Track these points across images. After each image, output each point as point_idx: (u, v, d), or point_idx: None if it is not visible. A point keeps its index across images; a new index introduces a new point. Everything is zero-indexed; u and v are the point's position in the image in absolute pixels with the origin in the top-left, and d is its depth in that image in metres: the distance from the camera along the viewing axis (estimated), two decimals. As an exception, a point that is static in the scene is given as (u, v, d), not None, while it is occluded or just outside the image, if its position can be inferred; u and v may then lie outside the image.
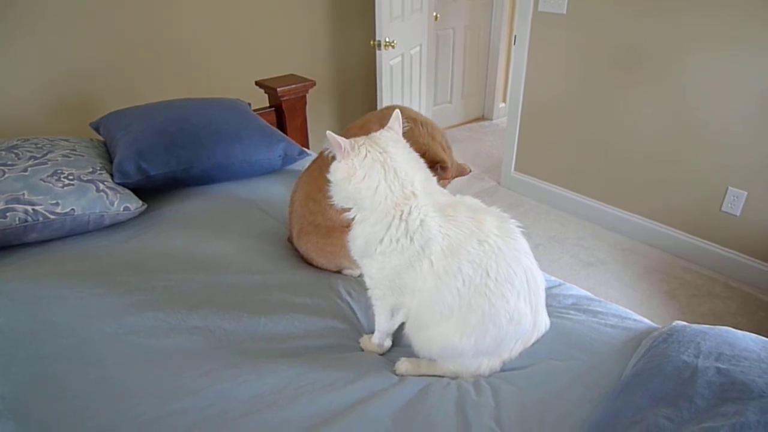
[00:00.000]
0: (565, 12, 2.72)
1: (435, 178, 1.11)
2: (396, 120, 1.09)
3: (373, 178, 1.01)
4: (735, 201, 2.39)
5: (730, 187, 2.39)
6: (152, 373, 1.05)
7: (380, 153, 1.02)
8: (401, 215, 1.01)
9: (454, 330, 1.02)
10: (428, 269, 1.01)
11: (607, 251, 2.74)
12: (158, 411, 0.96)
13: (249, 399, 0.99)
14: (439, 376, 1.10)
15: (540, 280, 1.07)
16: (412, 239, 1.01)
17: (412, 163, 1.05)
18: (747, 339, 1.01)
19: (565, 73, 2.86)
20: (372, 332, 1.21)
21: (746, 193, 2.34)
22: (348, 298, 1.34)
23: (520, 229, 1.08)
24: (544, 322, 1.12)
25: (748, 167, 2.31)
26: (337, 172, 1.04)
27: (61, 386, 1.02)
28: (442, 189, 1.11)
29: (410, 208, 1.01)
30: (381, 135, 1.06)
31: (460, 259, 0.99)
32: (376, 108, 3.04)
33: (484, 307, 1.00)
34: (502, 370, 1.10)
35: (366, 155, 1.01)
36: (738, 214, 2.40)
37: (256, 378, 1.04)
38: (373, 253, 1.04)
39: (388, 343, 1.20)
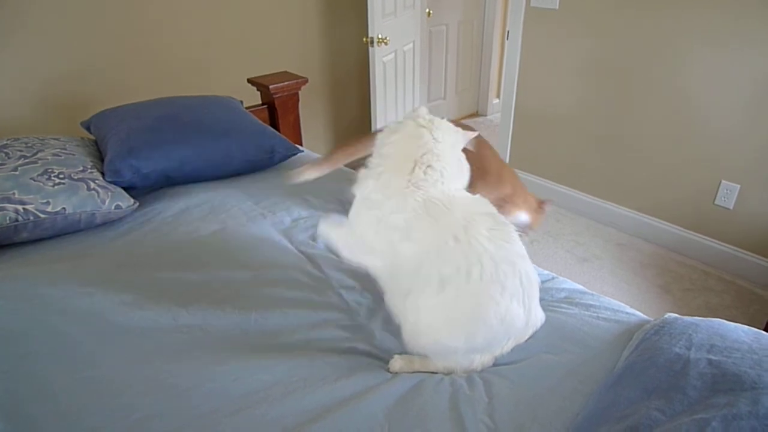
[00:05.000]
0: (557, 7, 2.72)
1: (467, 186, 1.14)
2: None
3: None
4: (728, 194, 2.40)
5: (723, 181, 2.40)
6: (143, 372, 1.04)
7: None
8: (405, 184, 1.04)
9: (442, 326, 1.02)
10: (386, 236, 1.04)
11: (601, 246, 2.75)
12: (149, 410, 0.96)
13: (240, 396, 0.98)
14: (433, 372, 1.10)
15: (534, 280, 1.06)
16: (382, 203, 1.04)
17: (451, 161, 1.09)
18: (738, 330, 1.02)
19: (558, 69, 2.86)
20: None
21: (739, 186, 2.35)
22: (341, 291, 1.33)
23: (511, 230, 1.06)
24: (539, 317, 1.11)
25: (740, 161, 2.32)
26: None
27: (51, 385, 1.02)
28: (467, 193, 1.12)
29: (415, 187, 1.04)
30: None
31: (431, 246, 1.00)
32: (369, 105, 3.03)
33: (471, 306, 0.99)
34: (495, 364, 1.10)
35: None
36: (731, 207, 2.41)
37: (247, 375, 1.03)
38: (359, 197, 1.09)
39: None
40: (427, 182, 1.04)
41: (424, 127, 1.08)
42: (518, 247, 1.05)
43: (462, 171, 1.12)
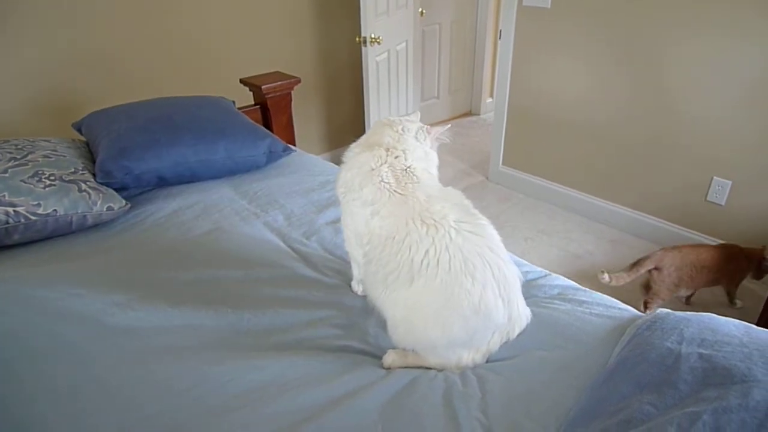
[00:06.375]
0: (549, 6, 2.73)
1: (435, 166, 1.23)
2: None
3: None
4: (720, 191, 2.41)
5: (715, 177, 2.41)
6: (136, 373, 1.04)
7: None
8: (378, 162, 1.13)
9: (418, 317, 1.03)
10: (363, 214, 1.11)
11: (594, 243, 2.76)
12: (144, 411, 0.96)
13: (235, 396, 0.98)
14: (427, 369, 1.10)
15: (511, 274, 1.06)
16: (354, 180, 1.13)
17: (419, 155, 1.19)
18: (729, 325, 1.02)
19: (550, 67, 2.87)
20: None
21: (731, 182, 2.37)
22: (335, 289, 1.33)
23: (484, 224, 1.07)
24: (524, 314, 1.11)
25: (732, 157, 2.33)
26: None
27: (44, 387, 1.01)
28: (441, 186, 1.17)
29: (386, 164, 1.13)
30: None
31: (399, 229, 1.04)
32: (363, 105, 3.03)
33: (442, 296, 1.00)
34: (488, 361, 1.10)
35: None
36: (723, 203, 2.42)
37: (241, 375, 1.03)
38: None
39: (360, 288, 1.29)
40: (390, 157, 1.14)
41: (387, 125, 1.22)
42: (490, 241, 1.05)
43: (428, 159, 1.21)
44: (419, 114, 1.33)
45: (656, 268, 2.06)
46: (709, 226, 2.51)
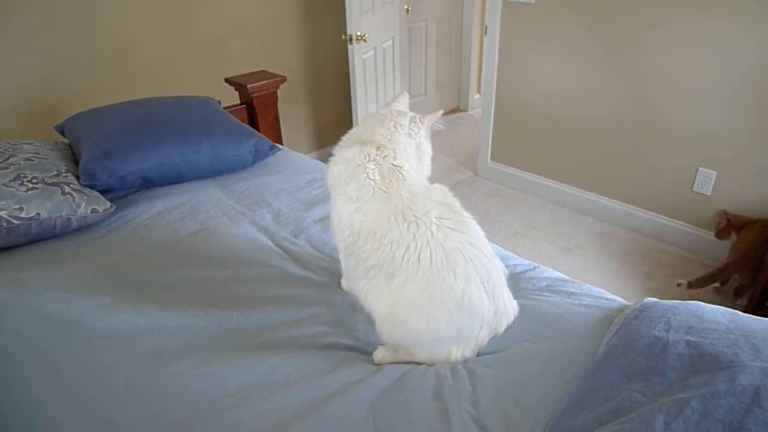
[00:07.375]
0: (533, 1, 2.74)
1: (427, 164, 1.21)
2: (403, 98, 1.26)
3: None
4: (705, 181, 2.43)
5: (700, 168, 2.43)
6: (123, 376, 1.03)
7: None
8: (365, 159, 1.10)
9: (403, 312, 1.03)
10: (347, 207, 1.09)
11: (584, 236, 2.77)
12: (131, 415, 0.95)
13: (223, 397, 0.97)
14: (417, 364, 1.09)
15: (494, 268, 1.06)
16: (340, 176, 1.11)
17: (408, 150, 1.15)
18: (716, 312, 1.03)
19: (536, 62, 2.88)
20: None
21: (716, 173, 2.39)
22: (323, 287, 1.33)
23: (467, 221, 1.08)
24: (511, 308, 1.11)
25: (716, 148, 2.35)
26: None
27: (27, 392, 1.00)
28: (427, 184, 1.15)
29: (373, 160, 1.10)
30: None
31: (381, 225, 1.04)
32: (350, 104, 3.02)
33: (425, 291, 1.00)
34: (478, 354, 1.10)
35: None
36: (709, 193, 2.44)
37: (231, 375, 1.02)
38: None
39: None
40: (378, 156, 1.11)
41: (379, 120, 1.18)
42: (472, 237, 1.05)
43: (420, 153, 1.18)
44: (407, 95, 1.28)
45: (734, 271, 2.17)
46: (697, 216, 2.53)
